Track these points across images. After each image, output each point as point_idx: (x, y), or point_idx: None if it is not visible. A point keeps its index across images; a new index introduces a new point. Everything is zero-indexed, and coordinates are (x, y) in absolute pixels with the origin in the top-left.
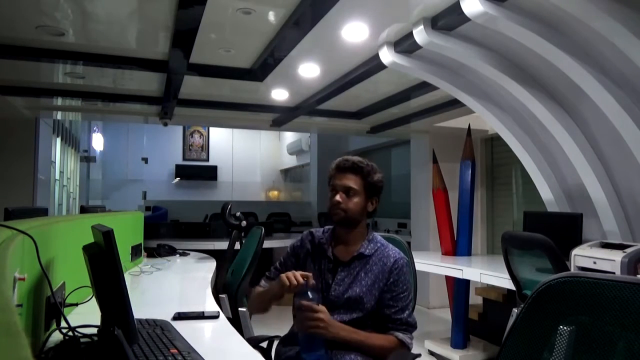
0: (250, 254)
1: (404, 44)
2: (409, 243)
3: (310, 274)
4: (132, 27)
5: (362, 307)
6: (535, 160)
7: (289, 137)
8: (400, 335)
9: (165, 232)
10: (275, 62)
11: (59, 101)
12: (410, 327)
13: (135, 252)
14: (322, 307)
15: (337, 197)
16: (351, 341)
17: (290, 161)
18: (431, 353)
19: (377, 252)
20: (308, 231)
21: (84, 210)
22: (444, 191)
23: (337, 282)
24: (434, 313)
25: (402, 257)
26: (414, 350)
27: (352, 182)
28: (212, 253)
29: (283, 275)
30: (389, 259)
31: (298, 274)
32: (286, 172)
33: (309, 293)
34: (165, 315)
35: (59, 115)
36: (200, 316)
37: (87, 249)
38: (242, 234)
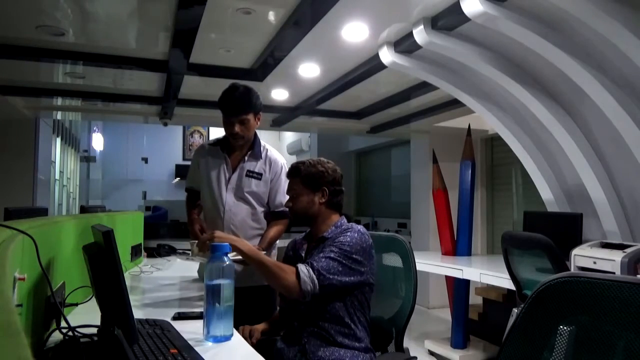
0: None
1: (404, 44)
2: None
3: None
4: (132, 27)
5: None
6: (535, 160)
7: (289, 137)
8: (301, 265)
9: (165, 232)
10: (275, 62)
11: (59, 101)
12: (312, 268)
13: (135, 252)
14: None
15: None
16: (244, 249)
17: (291, 161)
18: (431, 353)
19: (337, 233)
20: (291, 240)
21: (84, 210)
22: (444, 191)
23: None
24: (434, 313)
25: (358, 231)
26: (412, 352)
27: (293, 185)
28: None
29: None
30: (341, 234)
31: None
32: None
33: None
34: (165, 315)
35: (59, 115)
36: (200, 316)
37: (87, 249)
38: None
